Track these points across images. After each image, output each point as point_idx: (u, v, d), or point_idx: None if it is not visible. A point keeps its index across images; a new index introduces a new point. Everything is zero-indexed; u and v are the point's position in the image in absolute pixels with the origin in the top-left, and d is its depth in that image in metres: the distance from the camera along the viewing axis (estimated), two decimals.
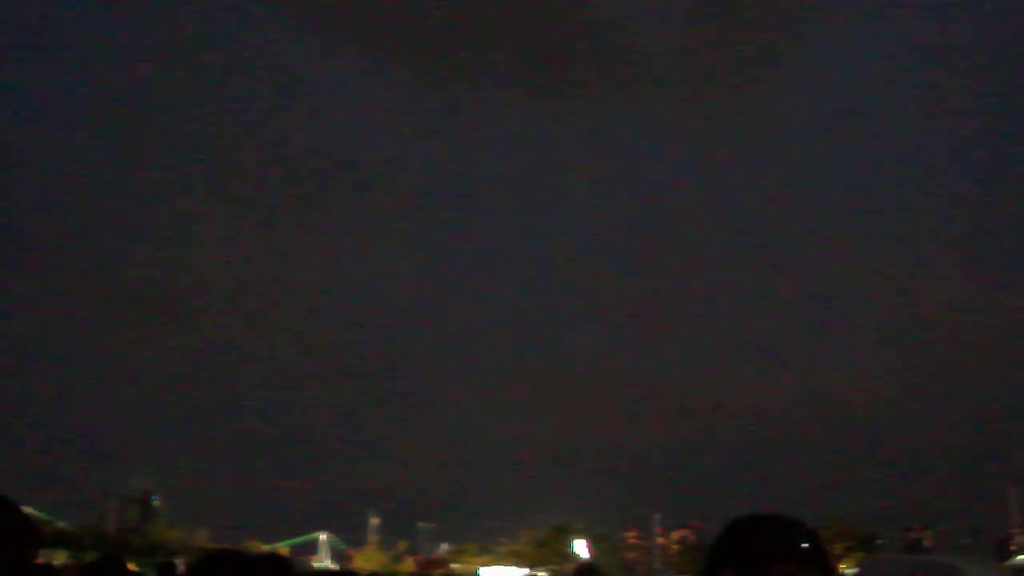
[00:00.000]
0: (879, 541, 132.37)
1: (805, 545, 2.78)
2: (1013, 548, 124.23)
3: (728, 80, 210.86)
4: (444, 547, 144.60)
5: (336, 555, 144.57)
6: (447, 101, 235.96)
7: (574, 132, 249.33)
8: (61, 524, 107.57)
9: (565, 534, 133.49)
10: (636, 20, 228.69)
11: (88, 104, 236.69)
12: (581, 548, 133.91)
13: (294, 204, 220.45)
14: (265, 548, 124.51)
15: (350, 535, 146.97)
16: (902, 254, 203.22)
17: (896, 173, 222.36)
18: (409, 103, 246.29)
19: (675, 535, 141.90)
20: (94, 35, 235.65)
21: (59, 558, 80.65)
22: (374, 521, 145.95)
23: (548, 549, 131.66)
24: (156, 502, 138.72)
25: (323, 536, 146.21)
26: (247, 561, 4.15)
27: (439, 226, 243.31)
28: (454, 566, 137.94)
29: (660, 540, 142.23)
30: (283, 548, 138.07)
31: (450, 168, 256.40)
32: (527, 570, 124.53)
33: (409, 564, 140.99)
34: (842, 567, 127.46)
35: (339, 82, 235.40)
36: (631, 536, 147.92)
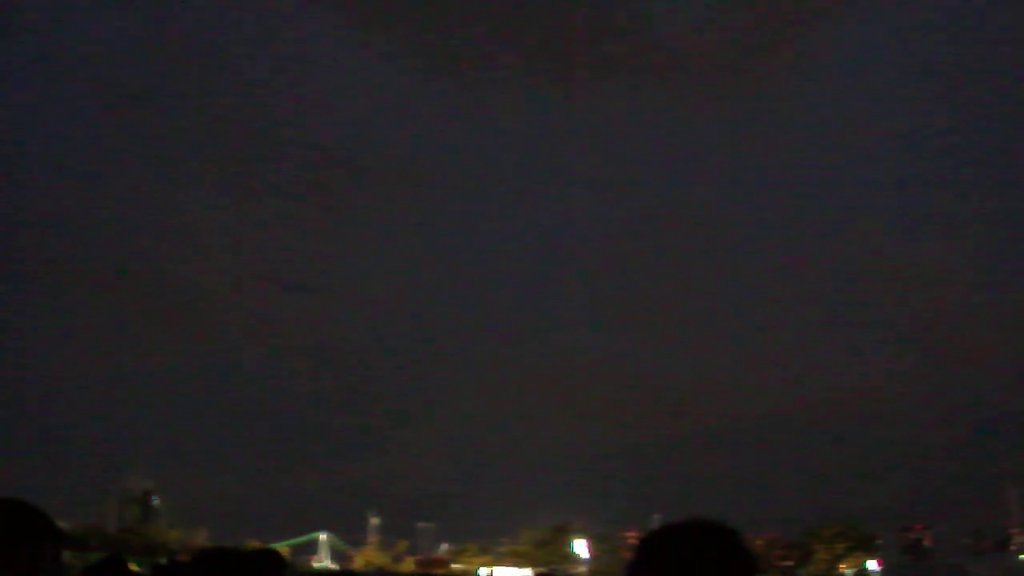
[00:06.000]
0: (879, 541, 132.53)
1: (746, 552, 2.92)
2: (1013, 548, 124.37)
3: (740, 71, 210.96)
4: (444, 547, 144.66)
5: (336, 555, 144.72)
6: (455, 92, 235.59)
7: (582, 125, 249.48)
8: (61, 524, 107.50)
9: (565, 534, 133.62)
10: (647, 8, 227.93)
11: (91, 100, 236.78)
12: (581, 548, 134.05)
13: (296, 201, 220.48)
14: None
15: (350, 535, 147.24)
16: (904, 253, 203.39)
17: (904, 170, 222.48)
18: (418, 94, 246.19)
19: None
20: (96, 28, 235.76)
21: None
22: (374, 521, 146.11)
23: (548, 549, 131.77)
24: (156, 502, 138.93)
25: (323, 536, 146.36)
26: (241, 557, 4.20)
27: (442, 223, 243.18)
28: (454, 566, 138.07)
29: None
30: (283, 548, 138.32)
31: (457, 162, 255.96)
32: (527, 570, 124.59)
33: (409, 564, 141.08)
34: (842, 567, 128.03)
35: (348, 72, 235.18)
36: (631, 536, 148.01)
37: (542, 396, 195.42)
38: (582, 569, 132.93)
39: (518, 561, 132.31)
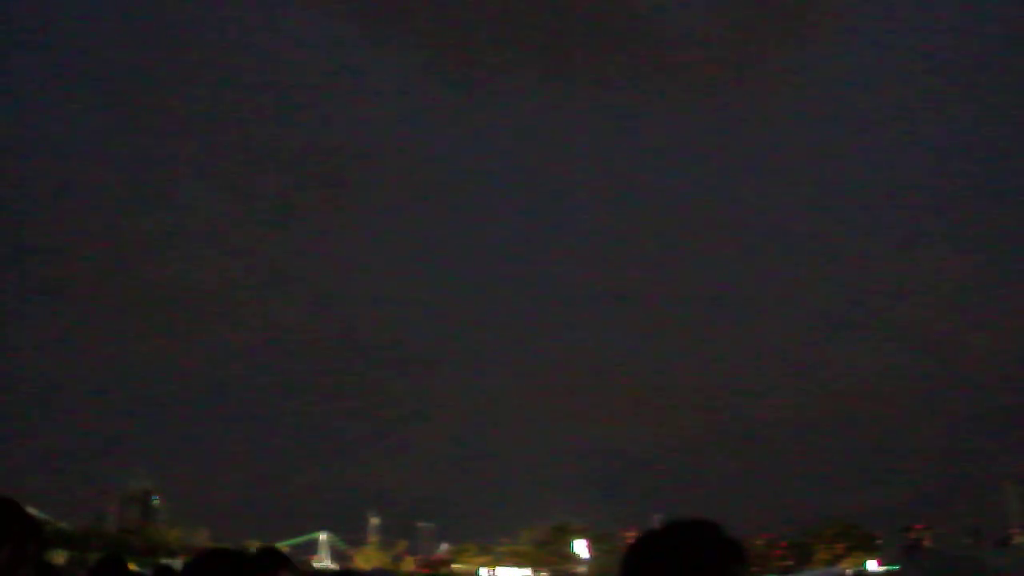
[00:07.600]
0: (879, 541, 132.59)
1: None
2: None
3: (741, 71, 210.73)
4: (444, 547, 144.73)
5: (336, 555, 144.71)
6: (456, 91, 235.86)
7: (585, 121, 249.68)
8: (61, 524, 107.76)
9: (565, 534, 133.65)
10: (649, 5, 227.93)
11: (93, 98, 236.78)
12: (581, 548, 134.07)
13: (298, 201, 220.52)
14: None
15: (350, 535, 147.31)
16: (905, 252, 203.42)
17: (904, 169, 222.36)
18: (419, 93, 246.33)
19: None
20: (96, 27, 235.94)
21: (59, 558, 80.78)
22: (374, 521, 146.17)
23: (548, 549, 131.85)
24: (156, 502, 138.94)
25: (323, 536, 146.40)
26: (244, 558, 4.18)
27: (440, 223, 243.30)
28: (454, 566, 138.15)
29: None
30: (283, 548, 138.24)
31: (458, 162, 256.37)
32: (527, 570, 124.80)
33: (409, 564, 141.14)
34: (842, 567, 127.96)
35: (349, 71, 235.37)
36: (631, 536, 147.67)
37: (542, 396, 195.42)
38: (582, 569, 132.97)
39: (518, 561, 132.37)
